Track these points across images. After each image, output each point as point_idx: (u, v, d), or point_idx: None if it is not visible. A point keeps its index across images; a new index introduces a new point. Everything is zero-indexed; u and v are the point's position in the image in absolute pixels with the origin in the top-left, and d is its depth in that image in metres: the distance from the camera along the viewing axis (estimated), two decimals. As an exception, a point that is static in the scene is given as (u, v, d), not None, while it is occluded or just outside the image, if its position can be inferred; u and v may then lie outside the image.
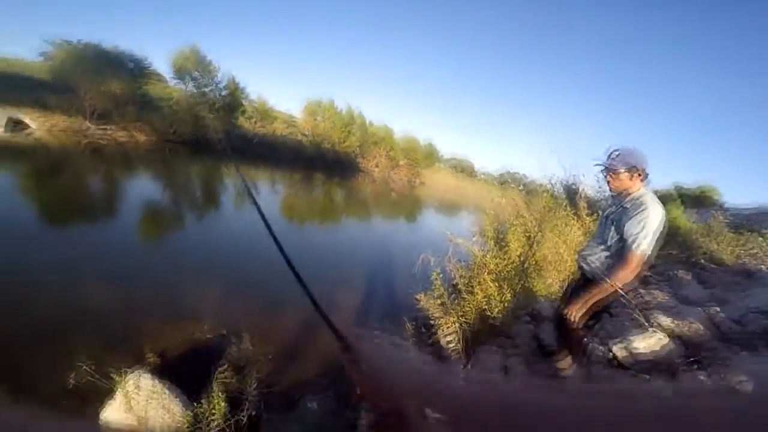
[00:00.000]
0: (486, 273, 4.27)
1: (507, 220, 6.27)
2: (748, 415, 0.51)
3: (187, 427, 2.22)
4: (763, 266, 5.97)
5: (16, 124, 11.98)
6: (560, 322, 2.40)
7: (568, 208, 5.68)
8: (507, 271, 4.43)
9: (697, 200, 15.05)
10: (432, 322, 3.91)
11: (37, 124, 12.54)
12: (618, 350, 2.76)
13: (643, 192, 2.10)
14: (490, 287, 3.88)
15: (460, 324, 3.58)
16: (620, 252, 2.07)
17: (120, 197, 8.42)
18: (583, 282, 2.34)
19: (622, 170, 2.09)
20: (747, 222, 9.16)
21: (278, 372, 3.19)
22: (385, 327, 4.30)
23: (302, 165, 20.71)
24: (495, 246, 5.34)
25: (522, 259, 4.70)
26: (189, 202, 9.63)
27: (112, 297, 3.74)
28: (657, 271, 5.73)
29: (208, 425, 2.27)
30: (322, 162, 22.84)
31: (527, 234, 5.37)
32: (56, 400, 2.36)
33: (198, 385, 2.51)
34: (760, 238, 7.08)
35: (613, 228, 2.15)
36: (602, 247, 2.23)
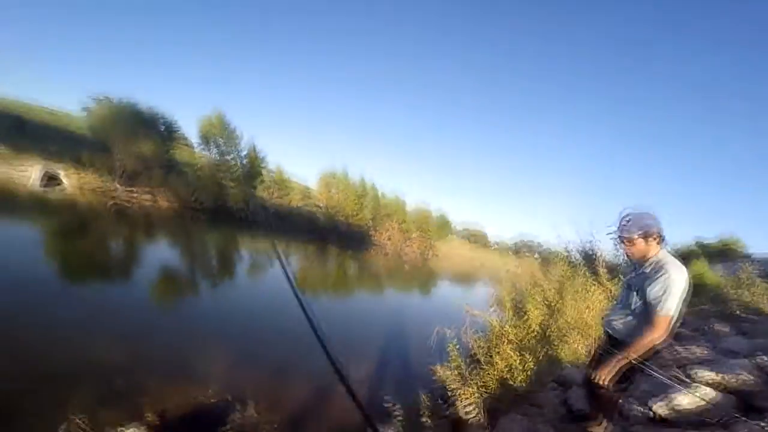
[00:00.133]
0: (506, 343, 4.14)
1: (525, 288, 6.16)
2: None
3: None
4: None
5: (50, 179, 12.62)
6: (590, 386, 2.28)
7: (588, 275, 5.57)
8: (528, 340, 4.30)
9: (721, 253, 14.66)
10: (450, 393, 3.73)
11: (70, 182, 13.19)
12: (659, 408, 2.56)
13: (662, 255, 2.07)
14: (512, 357, 3.76)
15: (481, 394, 3.41)
16: (645, 316, 2.01)
17: (139, 260, 8.58)
18: (610, 345, 2.25)
19: (637, 236, 2.07)
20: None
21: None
22: (400, 399, 4.12)
23: (316, 237, 21.04)
24: (514, 315, 5.21)
25: (543, 327, 4.54)
26: (205, 268, 9.73)
27: (120, 354, 3.68)
28: (691, 326, 5.53)
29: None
30: (336, 234, 23.17)
31: (547, 302, 5.24)
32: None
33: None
34: (795, 285, 6.89)
35: (635, 294, 2.11)
36: (626, 311, 2.18)
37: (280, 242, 17.22)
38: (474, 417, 3.26)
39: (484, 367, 3.91)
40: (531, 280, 6.52)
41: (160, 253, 9.88)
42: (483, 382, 3.69)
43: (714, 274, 8.32)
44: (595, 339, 4.43)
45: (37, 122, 18.27)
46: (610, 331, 2.25)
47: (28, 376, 3.00)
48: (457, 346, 3.99)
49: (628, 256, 2.22)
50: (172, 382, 3.41)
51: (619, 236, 2.15)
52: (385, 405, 3.94)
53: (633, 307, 2.12)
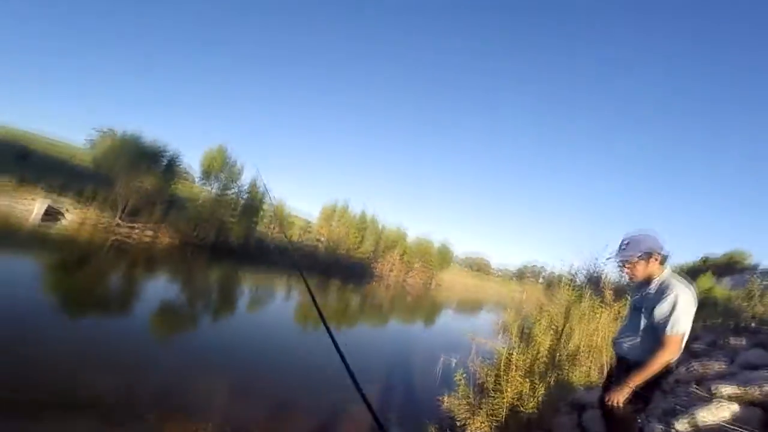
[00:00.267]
0: (514, 369, 4.04)
1: (530, 314, 6.08)
2: None
3: None
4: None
5: (52, 213, 12.61)
6: (606, 408, 2.21)
7: (594, 297, 5.50)
8: (537, 365, 4.18)
9: (727, 267, 14.51)
10: (458, 422, 3.65)
11: (72, 217, 13.22)
12: (681, 425, 2.47)
13: (667, 274, 2.06)
14: (521, 383, 3.67)
15: (491, 422, 3.29)
16: (655, 336, 1.98)
17: (137, 294, 8.49)
18: (622, 367, 2.22)
19: (636, 258, 2.06)
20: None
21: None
22: (407, 430, 4.03)
23: (318, 271, 20.86)
24: (520, 342, 5.11)
25: (552, 351, 4.44)
26: (205, 303, 9.61)
27: (117, 385, 3.60)
28: (705, 341, 5.44)
29: None
30: (338, 267, 23.00)
31: (554, 326, 5.15)
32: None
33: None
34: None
35: (642, 315, 2.08)
36: (635, 332, 2.14)
37: (280, 277, 17.08)
38: (484, 445, 3.10)
39: (493, 395, 3.80)
40: (537, 305, 6.45)
41: (159, 287, 9.79)
42: (492, 410, 3.58)
43: (722, 289, 8.28)
44: (607, 360, 4.33)
45: (41, 153, 18.45)
46: (621, 353, 2.21)
47: (26, 407, 2.93)
48: (464, 375, 3.92)
49: (631, 278, 2.21)
50: (170, 415, 3.32)
51: (620, 260, 2.15)
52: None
53: (641, 327, 2.08)
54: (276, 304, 11.53)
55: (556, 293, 6.55)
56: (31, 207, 12.28)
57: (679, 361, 1.94)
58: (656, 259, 2.04)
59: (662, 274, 2.05)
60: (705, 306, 6.24)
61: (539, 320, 5.38)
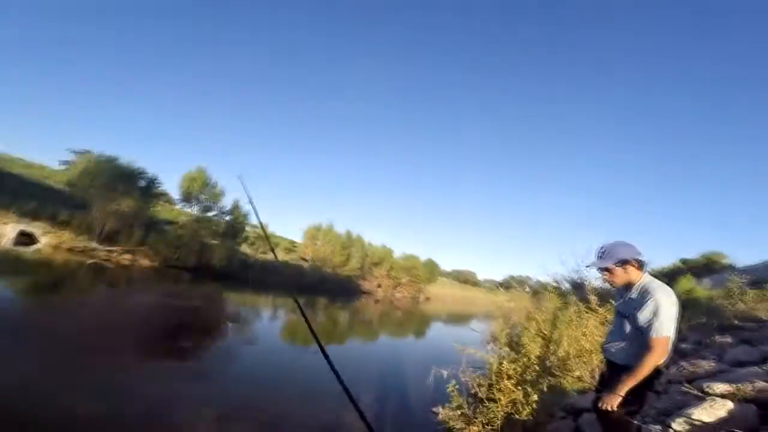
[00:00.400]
0: (506, 378, 4.06)
1: (518, 323, 6.14)
2: None
3: None
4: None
5: (25, 237, 12.14)
6: (600, 411, 2.24)
7: (579, 304, 5.59)
8: (529, 373, 4.21)
9: (705, 267, 15.00)
10: None
11: (46, 240, 12.72)
12: (678, 425, 2.50)
13: (646, 279, 2.14)
14: (514, 391, 3.68)
15: None
16: (641, 341, 2.04)
17: (117, 320, 8.15)
18: (612, 371, 2.27)
19: (613, 266, 2.14)
20: (764, 276, 9.12)
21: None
22: None
23: (304, 290, 20.57)
24: (510, 350, 5.14)
25: (542, 358, 4.48)
26: (186, 327, 9.30)
27: (98, 411, 3.42)
28: (692, 341, 5.53)
29: None
30: (324, 285, 22.76)
31: (542, 334, 5.21)
32: None
33: None
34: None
35: (626, 321, 2.15)
36: (621, 338, 2.21)
37: (266, 297, 16.77)
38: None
39: (487, 404, 3.79)
40: (524, 313, 6.52)
41: (141, 313, 9.44)
42: (487, 419, 3.58)
43: (703, 288, 8.47)
44: (597, 364, 4.39)
45: (14, 175, 17.78)
46: (610, 358, 2.27)
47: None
48: (457, 386, 3.92)
49: (611, 285, 2.29)
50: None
51: (598, 268, 2.23)
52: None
53: (627, 332, 2.15)
54: (263, 323, 11.31)
55: (542, 301, 6.64)
56: (3, 231, 11.83)
57: (669, 363, 1.99)
58: (633, 266, 2.12)
59: (642, 279, 2.13)
60: (688, 306, 6.41)
61: (527, 328, 5.44)
